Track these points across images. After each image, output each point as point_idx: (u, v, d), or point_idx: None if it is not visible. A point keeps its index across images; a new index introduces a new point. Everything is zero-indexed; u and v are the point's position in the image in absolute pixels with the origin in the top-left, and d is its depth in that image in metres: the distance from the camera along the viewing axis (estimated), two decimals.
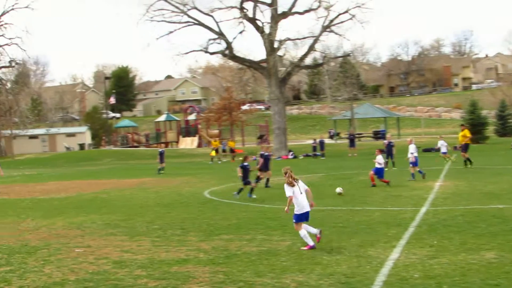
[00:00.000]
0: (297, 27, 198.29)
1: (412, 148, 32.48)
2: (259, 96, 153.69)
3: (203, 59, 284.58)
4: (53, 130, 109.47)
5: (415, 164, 32.31)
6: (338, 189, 26.60)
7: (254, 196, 26.53)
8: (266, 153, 31.39)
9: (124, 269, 13.73)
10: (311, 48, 69.50)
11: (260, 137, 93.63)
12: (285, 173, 16.04)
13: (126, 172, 51.43)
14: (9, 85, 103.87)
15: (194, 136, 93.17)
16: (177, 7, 67.71)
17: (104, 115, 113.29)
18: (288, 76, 70.50)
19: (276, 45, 67.49)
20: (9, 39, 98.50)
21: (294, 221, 15.77)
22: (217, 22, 68.12)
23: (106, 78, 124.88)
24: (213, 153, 62.13)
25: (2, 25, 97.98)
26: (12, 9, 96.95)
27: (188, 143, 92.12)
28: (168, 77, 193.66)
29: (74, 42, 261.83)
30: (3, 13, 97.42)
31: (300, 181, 15.98)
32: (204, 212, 22.75)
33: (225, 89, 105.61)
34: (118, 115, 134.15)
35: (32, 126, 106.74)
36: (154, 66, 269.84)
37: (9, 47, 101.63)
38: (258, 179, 29.64)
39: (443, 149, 42.89)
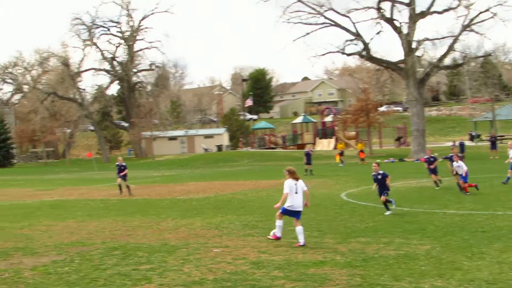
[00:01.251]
0: (436, 27, 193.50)
1: None
2: (397, 98, 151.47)
3: (339, 61, 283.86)
4: (192, 132, 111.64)
5: None
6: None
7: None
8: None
9: (261, 269, 13.81)
10: (451, 48, 68.14)
11: (398, 139, 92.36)
12: (288, 171, 17.39)
13: (263, 173, 51.85)
14: (149, 87, 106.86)
15: (331, 138, 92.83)
16: (313, 9, 67.91)
17: (242, 117, 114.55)
18: (427, 77, 69.36)
19: (414, 45, 66.61)
20: (149, 42, 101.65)
21: (280, 211, 17.32)
22: (353, 23, 67.99)
23: (244, 80, 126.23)
24: (337, 157, 61.67)
25: (142, 29, 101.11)
26: (152, 13, 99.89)
27: (325, 145, 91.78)
28: (305, 78, 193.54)
29: (212, 44, 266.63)
30: (144, 18, 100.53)
31: (301, 181, 17.30)
32: (341, 214, 22.63)
33: (362, 91, 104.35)
34: (255, 116, 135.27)
35: (171, 128, 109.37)
36: (290, 67, 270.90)
37: (149, 51, 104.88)
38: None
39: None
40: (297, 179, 17.11)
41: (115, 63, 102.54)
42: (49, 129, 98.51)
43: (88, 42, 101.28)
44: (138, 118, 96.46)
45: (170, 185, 42.44)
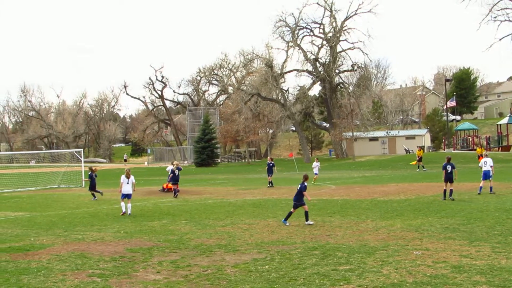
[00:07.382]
0: None
1: None
2: None
3: None
4: (393, 133, 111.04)
5: None
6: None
7: None
8: None
9: (462, 274, 13.51)
10: None
11: None
12: (127, 171, 28.15)
13: (465, 175, 50.51)
14: (351, 88, 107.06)
15: None
16: None
17: (444, 118, 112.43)
18: None
19: None
20: (352, 43, 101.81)
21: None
22: None
23: (447, 80, 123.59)
24: (414, 162, 58.79)
25: (345, 30, 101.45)
26: (355, 14, 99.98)
27: None
28: (511, 78, 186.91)
29: (415, 44, 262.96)
30: (346, 18, 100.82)
31: (132, 177, 28.11)
32: None
33: None
34: (458, 117, 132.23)
35: (372, 129, 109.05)
36: (496, 67, 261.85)
37: (352, 51, 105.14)
38: None
39: None
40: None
41: (317, 64, 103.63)
42: (252, 130, 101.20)
43: (292, 44, 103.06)
44: (340, 118, 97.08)
45: (370, 186, 42.33)
